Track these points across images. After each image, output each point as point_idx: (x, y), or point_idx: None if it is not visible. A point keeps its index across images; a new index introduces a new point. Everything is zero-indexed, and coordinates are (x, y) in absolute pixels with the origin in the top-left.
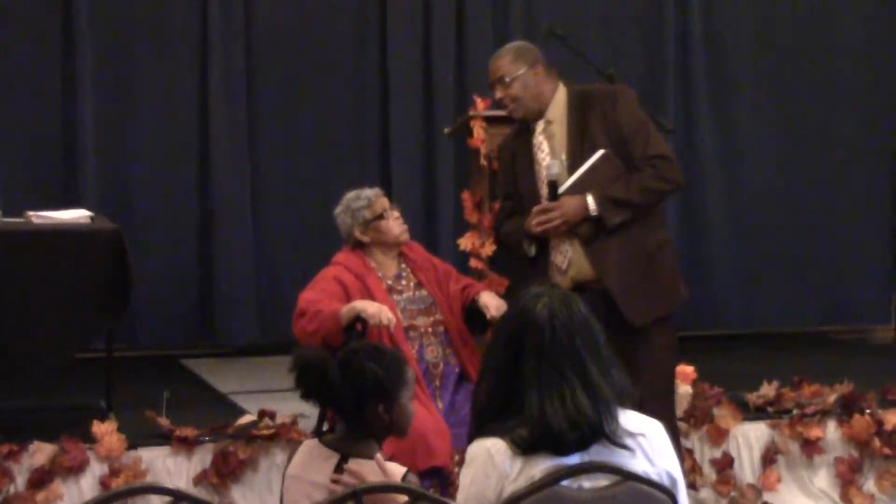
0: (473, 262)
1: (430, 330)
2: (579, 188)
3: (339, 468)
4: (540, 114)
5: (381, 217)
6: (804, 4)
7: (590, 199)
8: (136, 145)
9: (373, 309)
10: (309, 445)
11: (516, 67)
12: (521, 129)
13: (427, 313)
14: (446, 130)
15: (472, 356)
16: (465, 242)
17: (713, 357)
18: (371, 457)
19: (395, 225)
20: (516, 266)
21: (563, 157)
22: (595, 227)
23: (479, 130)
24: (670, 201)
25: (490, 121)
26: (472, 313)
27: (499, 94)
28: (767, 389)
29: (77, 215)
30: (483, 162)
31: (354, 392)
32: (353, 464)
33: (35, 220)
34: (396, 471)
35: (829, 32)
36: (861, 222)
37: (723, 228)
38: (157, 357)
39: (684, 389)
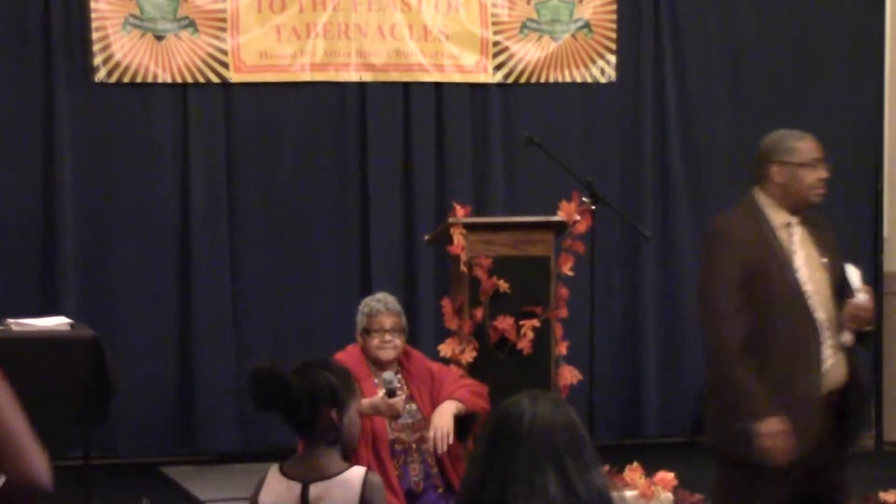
0: (454, 369)
1: (413, 447)
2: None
3: (304, 496)
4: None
5: (367, 332)
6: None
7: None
8: (117, 255)
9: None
10: (274, 477)
11: None
12: (753, 219)
13: (413, 429)
14: (426, 237)
15: (460, 467)
16: (446, 349)
17: (694, 463)
18: (334, 471)
19: (375, 346)
20: None
21: (826, 259)
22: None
23: (458, 237)
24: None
25: (469, 227)
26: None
27: (826, 174)
28: None
29: (56, 322)
30: (463, 268)
31: (309, 398)
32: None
33: (14, 328)
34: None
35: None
36: None
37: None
38: (137, 465)
39: (665, 496)
